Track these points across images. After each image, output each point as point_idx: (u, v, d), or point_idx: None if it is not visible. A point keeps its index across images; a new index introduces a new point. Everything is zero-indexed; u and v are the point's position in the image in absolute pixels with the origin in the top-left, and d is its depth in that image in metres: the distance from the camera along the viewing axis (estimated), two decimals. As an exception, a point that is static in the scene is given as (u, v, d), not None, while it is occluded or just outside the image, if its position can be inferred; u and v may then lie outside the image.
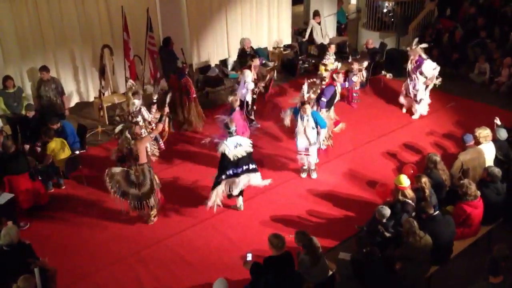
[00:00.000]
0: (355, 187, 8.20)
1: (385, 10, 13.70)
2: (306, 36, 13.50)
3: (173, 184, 8.28)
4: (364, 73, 10.90)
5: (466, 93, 11.36)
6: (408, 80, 10.23)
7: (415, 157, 8.97)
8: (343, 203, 7.79)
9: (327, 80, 9.68)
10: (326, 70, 10.74)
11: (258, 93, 9.93)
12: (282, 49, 13.59)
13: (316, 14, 13.33)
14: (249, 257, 5.56)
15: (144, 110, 8.36)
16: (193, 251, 6.87)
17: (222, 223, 7.34)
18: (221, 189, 7.18)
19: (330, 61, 11.03)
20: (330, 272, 5.75)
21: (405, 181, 6.43)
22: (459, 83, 11.88)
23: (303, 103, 7.84)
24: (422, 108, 10.30)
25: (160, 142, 8.79)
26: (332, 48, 11.25)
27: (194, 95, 9.89)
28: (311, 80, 9.14)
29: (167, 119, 8.10)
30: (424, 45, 10.08)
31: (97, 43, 10.42)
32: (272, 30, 13.56)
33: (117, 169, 7.11)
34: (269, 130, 9.95)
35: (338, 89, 9.31)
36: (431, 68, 9.86)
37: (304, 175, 8.43)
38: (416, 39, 10.24)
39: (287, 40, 13.90)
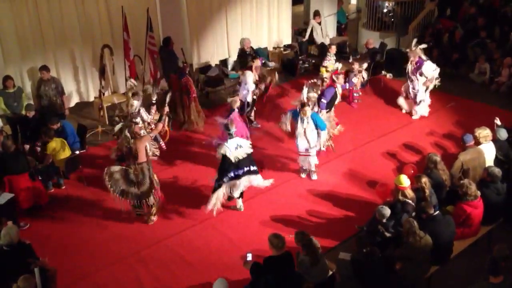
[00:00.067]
0: (355, 187, 8.20)
1: (385, 10, 13.70)
2: (306, 36, 13.50)
3: (173, 184, 8.28)
4: (364, 74, 10.90)
5: (466, 93, 11.36)
6: (408, 81, 10.23)
7: (415, 157, 8.97)
8: (343, 203, 7.79)
9: (327, 81, 9.69)
10: (327, 71, 10.76)
11: (258, 95, 9.95)
12: (282, 49, 13.59)
13: (317, 14, 13.33)
14: (249, 257, 5.57)
15: (143, 112, 8.35)
16: (193, 251, 6.87)
17: (222, 223, 7.34)
18: (222, 192, 7.17)
19: (331, 62, 11.02)
20: (330, 272, 5.74)
21: (405, 181, 6.43)
22: (459, 83, 11.88)
23: (303, 105, 7.84)
24: (422, 110, 10.30)
25: (160, 142, 8.79)
26: (333, 49, 11.25)
27: (195, 95, 9.90)
28: (312, 80, 9.15)
29: (166, 119, 8.09)
30: (424, 46, 10.08)
31: (97, 43, 10.42)
32: (272, 30, 13.56)
33: (116, 168, 7.11)
34: (270, 131, 9.95)
35: (339, 90, 9.33)
36: (431, 70, 9.86)
37: (304, 175, 8.43)
38: (415, 40, 10.24)
39: (287, 40, 13.90)
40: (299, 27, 14.74)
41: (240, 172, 7.14)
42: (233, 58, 12.72)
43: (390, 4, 13.55)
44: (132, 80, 9.11)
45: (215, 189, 7.15)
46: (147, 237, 7.14)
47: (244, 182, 7.23)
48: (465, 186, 6.27)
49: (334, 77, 9.20)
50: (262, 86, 10.01)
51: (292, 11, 13.92)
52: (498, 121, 8.13)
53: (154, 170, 8.29)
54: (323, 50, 12.85)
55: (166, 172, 8.58)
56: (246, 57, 11.52)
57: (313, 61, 13.01)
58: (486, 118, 8.83)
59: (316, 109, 8.59)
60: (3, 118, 9.25)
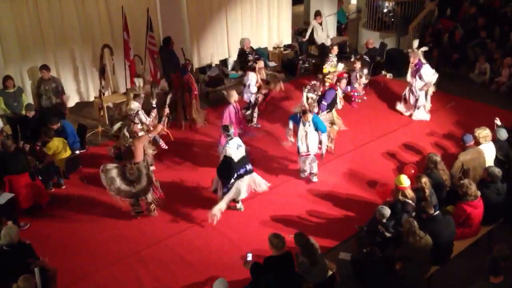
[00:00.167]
0: (355, 187, 8.19)
1: (385, 10, 13.70)
2: (306, 36, 13.50)
3: (173, 184, 8.27)
4: (364, 79, 10.91)
5: (466, 93, 11.36)
6: (408, 85, 10.26)
7: (415, 157, 8.96)
8: (343, 203, 7.78)
9: (330, 81, 9.73)
10: (329, 72, 10.82)
11: (260, 100, 10.03)
12: (282, 49, 13.59)
13: (318, 14, 13.32)
14: (249, 257, 5.57)
15: (142, 114, 8.33)
16: (193, 251, 6.87)
17: (222, 223, 7.33)
18: (231, 195, 7.19)
19: (333, 63, 11.04)
20: (330, 272, 5.75)
21: (405, 181, 6.43)
22: (459, 83, 11.89)
23: (304, 111, 7.83)
24: (421, 114, 10.27)
25: (160, 143, 8.79)
26: (335, 49, 11.30)
27: (196, 92, 9.94)
28: (313, 82, 9.20)
29: (166, 120, 8.09)
30: (425, 49, 10.08)
31: (97, 43, 10.43)
32: (272, 30, 13.57)
33: (112, 166, 7.14)
34: (270, 131, 9.95)
35: (339, 93, 9.37)
36: (429, 73, 9.85)
37: (304, 175, 8.42)
38: (417, 41, 10.24)
39: (287, 40, 13.91)
40: (299, 27, 14.76)
41: (242, 171, 7.18)
42: (233, 58, 12.74)
43: (390, 4, 13.55)
44: (141, 80, 9.12)
45: (224, 193, 7.14)
46: (147, 237, 7.13)
47: (245, 182, 7.26)
48: (465, 186, 6.27)
49: (337, 80, 9.29)
50: (263, 91, 10.03)
51: (292, 11, 13.94)
52: (498, 121, 8.13)
53: (155, 170, 8.34)
54: (323, 50, 12.87)
55: (166, 172, 8.58)
56: (246, 57, 11.54)
57: (313, 61, 13.01)
58: (486, 118, 8.84)
59: (316, 110, 8.59)
60: (3, 118, 9.25)
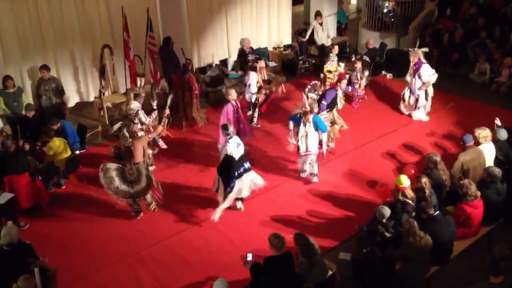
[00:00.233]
0: (355, 187, 8.19)
1: (385, 10, 13.71)
2: (306, 36, 13.50)
3: (173, 184, 8.27)
4: (365, 81, 10.90)
5: (466, 93, 11.36)
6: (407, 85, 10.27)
7: (415, 157, 8.96)
8: (343, 203, 7.78)
9: (330, 81, 9.74)
10: (329, 72, 10.83)
11: (260, 100, 10.05)
12: (282, 49, 13.59)
13: (318, 14, 13.31)
14: (249, 257, 5.57)
15: (142, 114, 8.33)
16: (193, 251, 6.87)
17: (222, 223, 7.33)
18: (234, 194, 7.20)
19: (334, 63, 11.05)
20: (330, 272, 5.74)
21: (405, 181, 6.42)
22: (459, 83, 11.89)
23: (305, 112, 7.83)
24: (420, 115, 10.27)
25: (159, 143, 8.79)
26: (336, 49, 11.30)
27: (197, 91, 9.96)
28: (313, 82, 9.21)
29: (166, 121, 8.09)
30: (425, 49, 10.08)
31: (97, 43, 10.43)
32: (272, 30, 13.56)
33: (112, 165, 7.14)
34: (270, 131, 9.95)
35: (340, 93, 9.37)
36: (428, 73, 9.84)
37: (304, 175, 8.42)
38: (418, 42, 10.26)
39: (287, 40, 13.91)
40: (299, 27, 14.76)
41: (242, 169, 7.19)
42: (233, 58, 12.74)
43: (390, 4, 13.55)
44: (143, 79, 9.13)
45: (228, 193, 7.14)
46: (147, 237, 7.13)
47: (246, 179, 7.26)
48: (465, 186, 6.27)
49: (337, 80, 9.29)
50: (264, 92, 10.03)
51: (292, 11, 13.94)
52: (498, 122, 8.13)
53: (155, 170, 8.34)
54: (323, 51, 12.86)
55: (166, 172, 8.58)
56: (245, 57, 11.54)
57: (313, 61, 13.02)
58: (486, 118, 8.84)
59: (316, 109, 8.59)
60: (3, 118, 9.24)
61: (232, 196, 7.20)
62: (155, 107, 8.42)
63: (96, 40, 10.49)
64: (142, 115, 8.25)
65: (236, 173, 7.11)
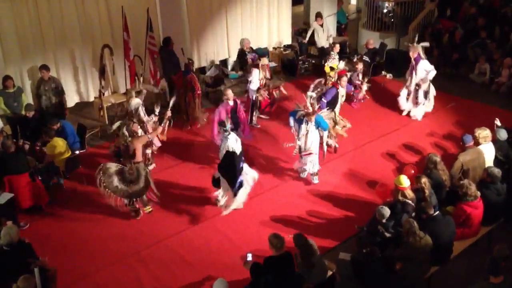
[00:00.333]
0: (355, 187, 8.19)
1: (385, 10, 13.70)
2: (306, 38, 13.47)
3: (173, 184, 8.27)
4: (365, 85, 10.86)
5: (466, 93, 11.36)
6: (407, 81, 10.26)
7: (415, 158, 8.96)
8: (343, 203, 7.78)
9: (332, 79, 9.73)
10: (332, 69, 10.80)
11: (261, 99, 10.07)
12: (282, 49, 13.59)
13: (318, 16, 13.26)
14: (249, 257, 5.58)
15: (141, 110, 8.33)
16: (193, 251, 6.87)
17: (222, 223, 7.33)
18: (246, 191, 7.24)
19: (335, 61, 11.03)
20: (330, 272, 5.75)
21: (405, 181, 6.43)
22: (459, 83, 11.89)
23: (308, 113, 7.81)
24: (419, 112, 10.27)
25: (154, 141, 8.77)
26: (337, 47, 11.33)
27: (199, 91, 9.99)
28: (318, 80, 9.21)
29: (167, 122, 8.08)
30: (426, 44, 10.06)
31: (97, 43, 10.43)
32: (272, 30, 13.56)
33: (112, 165, 7.13)
34: (270, 130, 9.95)
35: (341, 92, 9.36)
36: (426, 69, 9.82)
37: (304, 175, 8.42)
38: (417, 35, 10.27)
39: (287, 40, 13.91)
40: (299, 27, 14.75)
41: (242, 164, 7.22)
42: (233, 58, 12.74)
43: (390, 4, 13.55)
44: (141, 79, 9.16)
45: (236, 192, 7.15)
46: (147, 237, 7.13)
47: (246, 176, 7.28)
48: (465, 187, 6.27)
49: (338, 77, 9.30)
50: (262, 92, 10.02)
51: (292, 11, 13.92)
52: (498, 122, 8.13)
53: (155, 169, 8.34)
54: (323, 53, 12.84)
55: (166, 172, 8.58)
56: (245, 57, 11.54)
57: (313, 61, 13.01)
58: (486, 119, 8.84)
59: (316, 107, 8.59)
60: (3, 118, 9.24)
61: (246, 190, 7.21)
62: (157, 114, 8.39)
63: (96, 40, 10.48)
64: (141, 112, 8.25)
65: (239, 168, 7.10)
